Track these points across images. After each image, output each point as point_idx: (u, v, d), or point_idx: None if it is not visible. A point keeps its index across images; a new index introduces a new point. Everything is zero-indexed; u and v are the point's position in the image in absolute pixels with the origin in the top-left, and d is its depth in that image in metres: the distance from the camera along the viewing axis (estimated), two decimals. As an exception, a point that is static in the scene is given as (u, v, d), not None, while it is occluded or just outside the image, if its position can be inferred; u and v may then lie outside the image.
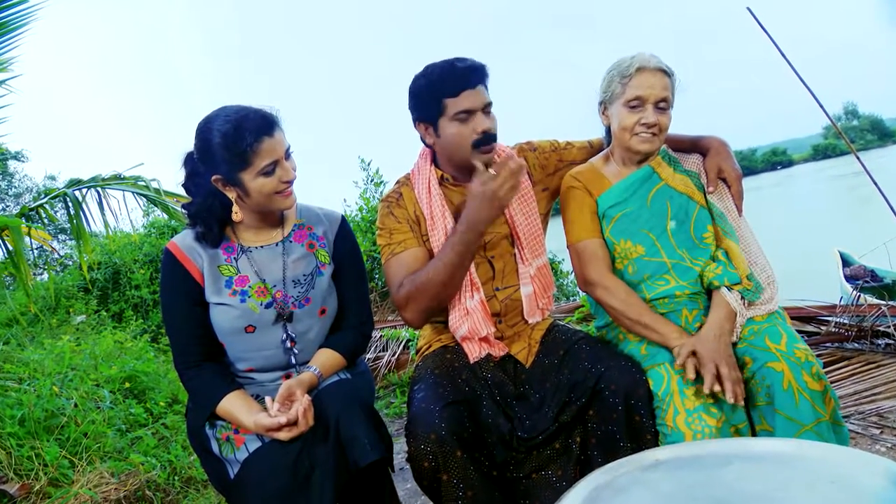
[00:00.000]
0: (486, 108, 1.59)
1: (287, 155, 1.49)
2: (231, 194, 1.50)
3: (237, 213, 1.53)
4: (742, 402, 1.45)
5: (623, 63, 1.64)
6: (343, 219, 1.73)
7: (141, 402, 3.28)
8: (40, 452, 2.47)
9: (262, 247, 1.59)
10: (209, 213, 1.53)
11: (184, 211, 1.62)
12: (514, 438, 1.54)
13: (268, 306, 1.54)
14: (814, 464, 0.99)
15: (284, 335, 1.54)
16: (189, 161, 1.54)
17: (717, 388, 1.44)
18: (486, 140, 1.58)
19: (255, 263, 1.57)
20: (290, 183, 1.50)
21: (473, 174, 1.54)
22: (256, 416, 1.44)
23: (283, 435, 1.40)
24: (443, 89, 1.56)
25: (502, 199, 1.49)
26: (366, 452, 1.34)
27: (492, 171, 1.49)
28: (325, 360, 1.58)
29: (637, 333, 1.62)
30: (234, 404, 1.48)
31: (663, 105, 1.61)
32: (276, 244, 1.61)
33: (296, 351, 1.56)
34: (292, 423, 1.40)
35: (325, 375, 1.56)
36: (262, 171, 1.44)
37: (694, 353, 1.49)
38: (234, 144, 1.40)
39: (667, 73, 1.62)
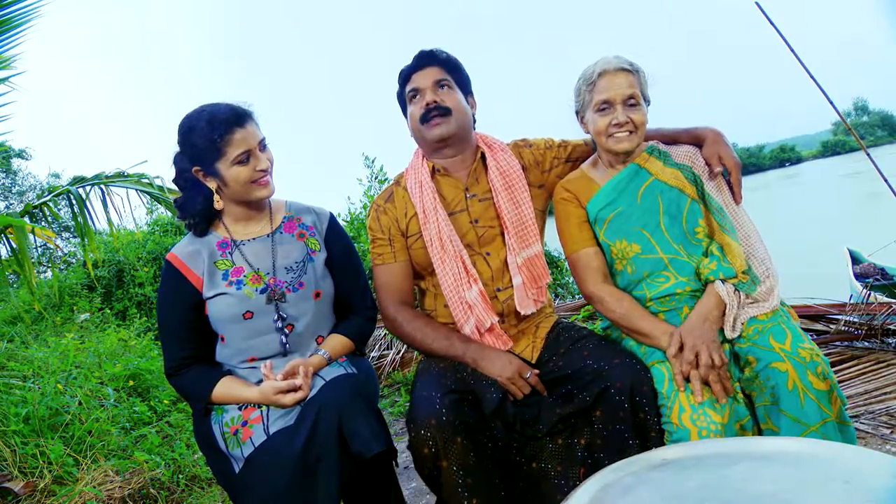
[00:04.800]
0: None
1: (262, 146, 1.59)
2: (211, 185, 1.60)
3: (218, 202, 1.62)
4: (732, 393, 1.45)
5: (587, 70, 1.66)
6: (332, 215, 1.79)
7: (145, 401, 3.29)
8: (45, 450, 2.48)
9: (253, 239, 1.67)
10: (193, 205, 1.63)
11: (175, 205, 1.72)
12: (519, 422, 1.54)
13: (262, 291, 1.60)
14: (825, 463, 0.97)
15: (276, 315, 1.59)
16: (177, 159, 1.64)
17: (701, 397, 1.42)
18: None
19: (247, 255, 1.64)
20: (265, 172, 1.59)
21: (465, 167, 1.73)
22: (260, 386, 1.53)
23: (288, 399, 1.48)
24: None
25: (507, 382, 1.56)
26: (369, 444, 1.38)
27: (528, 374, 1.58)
28: (335, 344, 1.66)
29: (635, 340, 1.62)
30: (229, 386, 1.56)
31: (632, 102, 1.62)
32: (267, 236, 1.68)
33: (286, 331, 1.60)
34: (294, 389, 1.49)
35: (333, 358, 1.63)
36: (236, 161, 1.54)
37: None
38: (207, 136, 1.52)
39: (631, 70, 1.62)
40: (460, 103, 1.72)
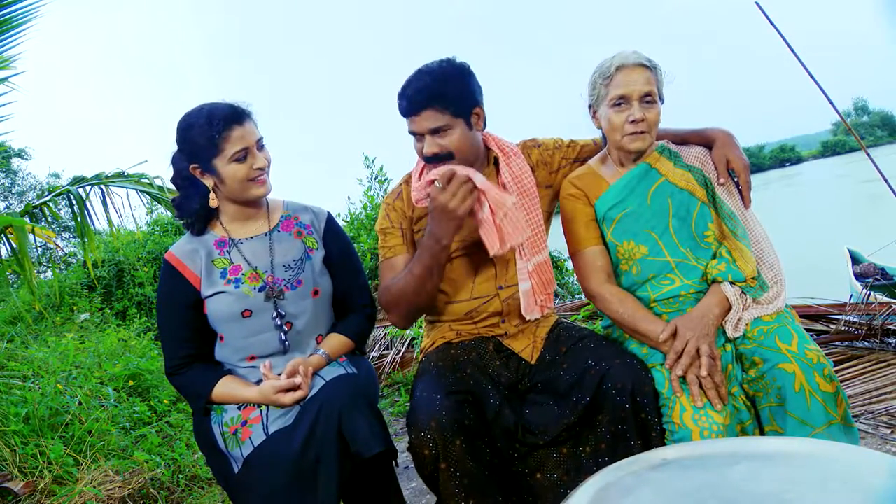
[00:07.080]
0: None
1: (260, 145, 1.60)
2: (209, 182, 1.61)
3: (213, 200, 1.63)
4: (725, 401, 1.43)
5: (604, 64, 1.62)
6: (330, 214, 1.80)
7: (145, 401, 3.29)
8: (45, 450, 2.48)
9: (251, 238, 1.68)
10: (190, 204, 1.64)
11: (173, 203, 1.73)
12: (520, 430, 1.53)
13: (261, 290, 1.61)
14: (825, 463, 0.97)
15: (275, 313, 1.59)
16: (175, 158, 1.64)
17: (700, 401, 1.41)
18: None
19: (245, 253, 1.65)
20: (262, 171, 1.60)
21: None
22: (259, 386, 1.54)
23: (288, 398, 1.49)
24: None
25: (454, 211, 1.50)
26: (369, 444, 1.38)
27: (438, 183, 1.51)
28: (334, 343, 1.66)
29: (637, 341, 1.61)
30: (229, 385, 1.57)
31: (649, 99, 1.58)
32: (265, 234, 1.69)
33: (286, 329, 1.61)
34: (294, 388, 1.50)
35: (332, 357, 1.63)
36: (234, 158, 1.55)
37: (676, 333, 1.49)
38: (206, 133, 1.53)
39: (649, 66, 1.59)
40: (462, 140, 1.60)
